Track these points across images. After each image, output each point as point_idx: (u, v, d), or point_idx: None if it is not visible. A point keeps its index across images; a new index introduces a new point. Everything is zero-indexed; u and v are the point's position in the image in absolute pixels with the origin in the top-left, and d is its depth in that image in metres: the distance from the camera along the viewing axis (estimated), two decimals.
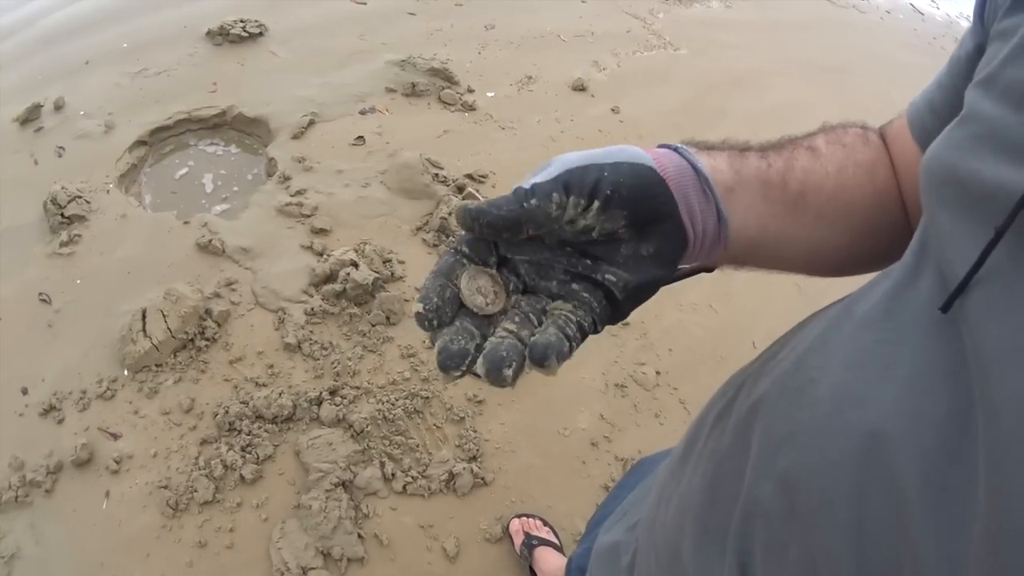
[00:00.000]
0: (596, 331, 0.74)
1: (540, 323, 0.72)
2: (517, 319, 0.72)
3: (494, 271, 0.75)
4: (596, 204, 0.72)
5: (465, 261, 0.74)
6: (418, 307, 0.70)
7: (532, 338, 0.68)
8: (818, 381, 0.70)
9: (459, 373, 0.68)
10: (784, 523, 0.70)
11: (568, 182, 0.72)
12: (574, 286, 0.75)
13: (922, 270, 0.66)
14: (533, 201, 0.71)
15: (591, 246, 0.76)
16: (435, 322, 0.70)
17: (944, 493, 0.54)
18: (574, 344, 0.70)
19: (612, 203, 0.72)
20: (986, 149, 0.59)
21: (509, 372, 0.66)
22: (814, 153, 0.87)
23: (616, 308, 0.76)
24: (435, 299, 0.70)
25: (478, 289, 0.73)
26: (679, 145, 0.81)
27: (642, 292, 0.76)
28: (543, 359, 0.65)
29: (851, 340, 0.69)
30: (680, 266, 0.81)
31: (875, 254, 0.95)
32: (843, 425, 0.64)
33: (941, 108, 0.84)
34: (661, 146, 0.82)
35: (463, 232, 0.75)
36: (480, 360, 0.67)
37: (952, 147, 0.64)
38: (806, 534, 0.66)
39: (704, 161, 0.80)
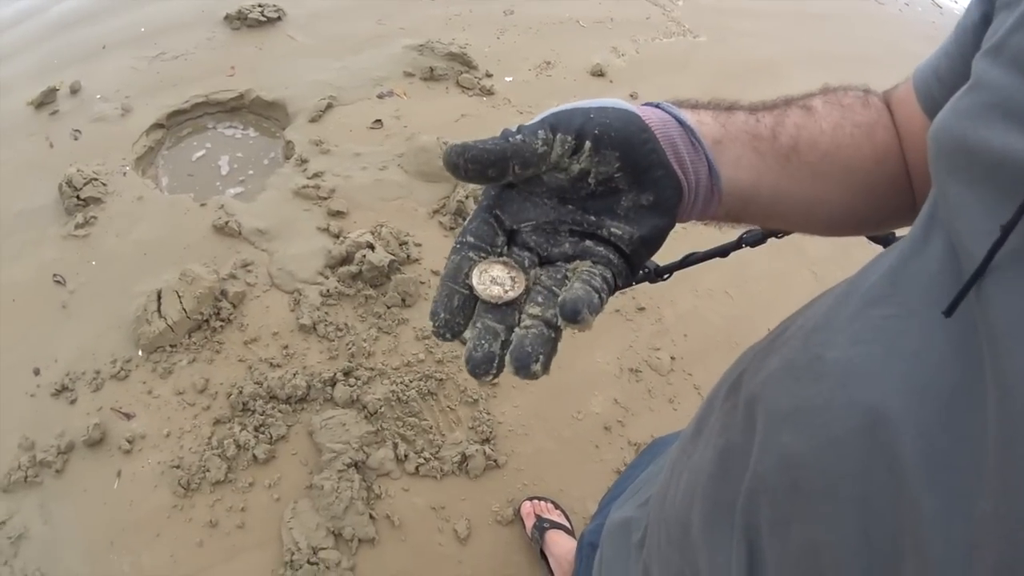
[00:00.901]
0: (616, 287, 0.72)
1: None
2: (540, 298, 0.69)
3: (505, 258, 0.72)
4: (588, 144, 0.70)
5: (472, 255, 0.71)
6: (429, 325, 0.69)
7: (560, 297, 0.65)
8: (824, 357, 0.68)
9: (490, 377, 0.66)
10: (788, 500, 0.69)
11: (554, 122, 0.70)
12: (587, 243, 0.73)
13: (931, 241, 0.64)
14: (518, 137, 0.68)
15: (591, 201, 0.74)
16: (448, 335, 0.68)
17: (947, 471, 0.53)
18: (603, 296, 0.67)
19: (603, 143, 0.70)
20: (995, 117, 0.58)
21: (537, 367, 0.64)
22: (809, 111, 0.86)
23: (631, 264, 0.74)
24: (443, 314, 0.68)
25: (492, 280, 0.70)
26: (660, 102, 0.79)
27: (649, 244, 0.74)
28: (575, 315, 0.63)
29: (858, 315, 0.68)
30: (679, 221, 0.79)
31: (877, 216, 0.94)
32: (847, 401, 0.63)
33: (947, 76, 0.83)
34: (643, 104, 0.80)
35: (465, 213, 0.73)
36: (507, 360, 0.65)
37: (960, 116, 0.63)
38: (810, 512, 0.66)
39: (688, 115, 0.78)
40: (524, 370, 0.63)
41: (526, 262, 0.73)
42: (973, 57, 0.68)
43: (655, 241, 0.74)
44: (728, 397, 0.91)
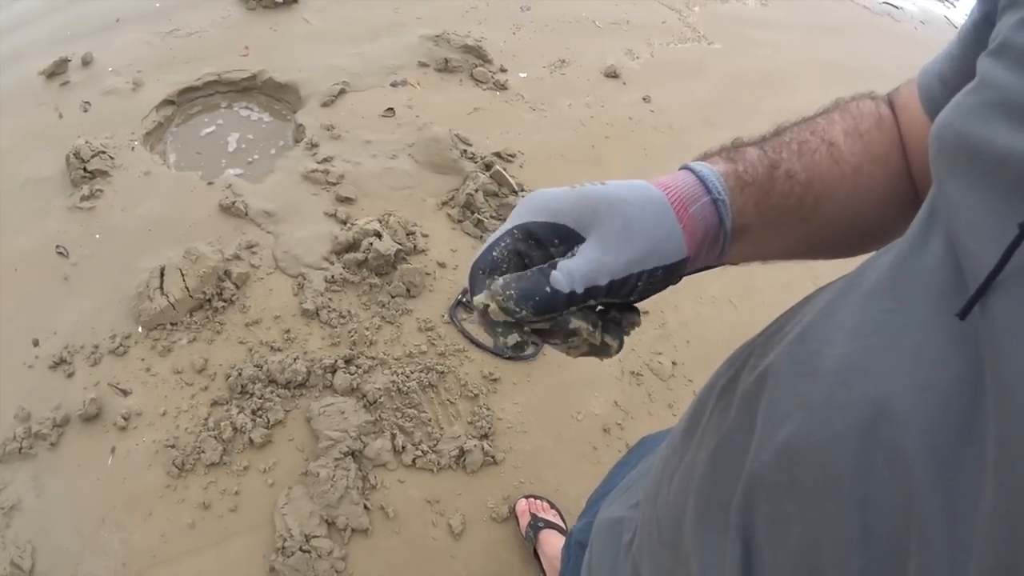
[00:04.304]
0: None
1: None
2: None
3: None
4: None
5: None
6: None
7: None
8: (823, 352, 0.68)
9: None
10: (787, 498, 0.68)
11: (610, 292, 0.75)
12: None
13: (930, 239, 0.64)
14: (574, 319, 0.76)
15: None
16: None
17: (951, 469, 0.53)
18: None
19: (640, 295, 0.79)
20: (998, 115, 0.59)
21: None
22: (834, 153, 0.87)
23: None
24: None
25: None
26: (718, 191, 0.81)
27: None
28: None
29: (857, 310, 0.67)
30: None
31: (883, 237, 0.92)
32: (848, 397, 0.62)
33: (950, 78, 0.84)
34: (690, 170, 0.83)
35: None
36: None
37: (963, 114, 0.64)
38: (809, 509, 0.65)
39: (736, 203, 0.82)
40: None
41: None
42: (975, 57, 0.68)
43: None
44: (723, 395, 0.91)
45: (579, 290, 0.72)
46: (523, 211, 0.78)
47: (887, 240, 0.92)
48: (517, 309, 0.71)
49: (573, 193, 0.77)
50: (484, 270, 0.76)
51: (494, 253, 0.76)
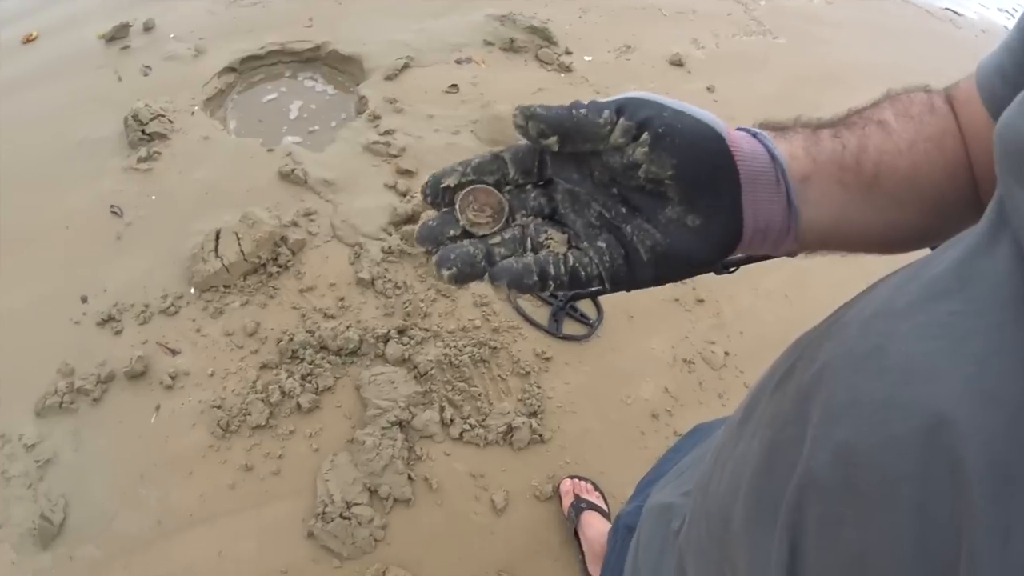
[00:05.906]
0: (603, 288, 0.75)
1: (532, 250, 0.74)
2: (507, 236, 0.73)
3: (501, 194, 0.75)
4: (646, 137, 0.70)
5: (505, 161, 0.74)
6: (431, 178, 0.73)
7: (499, 264, 0.71)
8: (886, 349, 0.63)
9: (454, 271, 0.71)
10: (840, 499, 0.64)
11: (623, 106, 0.72)
12: (604, 236, 0.75)
13: (999, 240, 0.59)
14: (583, 111, 0.70)
15: (637, 195, 0.74)
16: (433, 197, 0.74)
17: (1010, 487, 0.49)
18: (550, 283, 0.72)
19: (662, 143, 0.71)
20: None
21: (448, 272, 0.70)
22: (885, 129, 0.83)
23: (634, 273, 0.75)
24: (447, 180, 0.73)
25: (470, 205, 0.74)
26: (759, 131, 0.79)
27: (670, 264, 0.75)
28: (493, 281, 0.70)
29: (922, 308, 0.62)
30: (740, 252, 0.81)
31: (946, 230, 0.86)
32: (910, 399, 0.57)
33: (1012, 73, 0.79)
34: (739, 129, 0.79)
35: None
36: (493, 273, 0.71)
37: None
38: (862, 512, 0.61)
39: (781, 148, 0.78)
40: (518, 284, 0.70)
41: (532, 202, 0.76)
42: None
43: (679, 265, 0.75)
44: (778, 387, 0.85)
45: (611, 108, 0.71)
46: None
47: (945, 237, 0.84)
48: (540, 111, 0.69)
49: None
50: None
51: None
